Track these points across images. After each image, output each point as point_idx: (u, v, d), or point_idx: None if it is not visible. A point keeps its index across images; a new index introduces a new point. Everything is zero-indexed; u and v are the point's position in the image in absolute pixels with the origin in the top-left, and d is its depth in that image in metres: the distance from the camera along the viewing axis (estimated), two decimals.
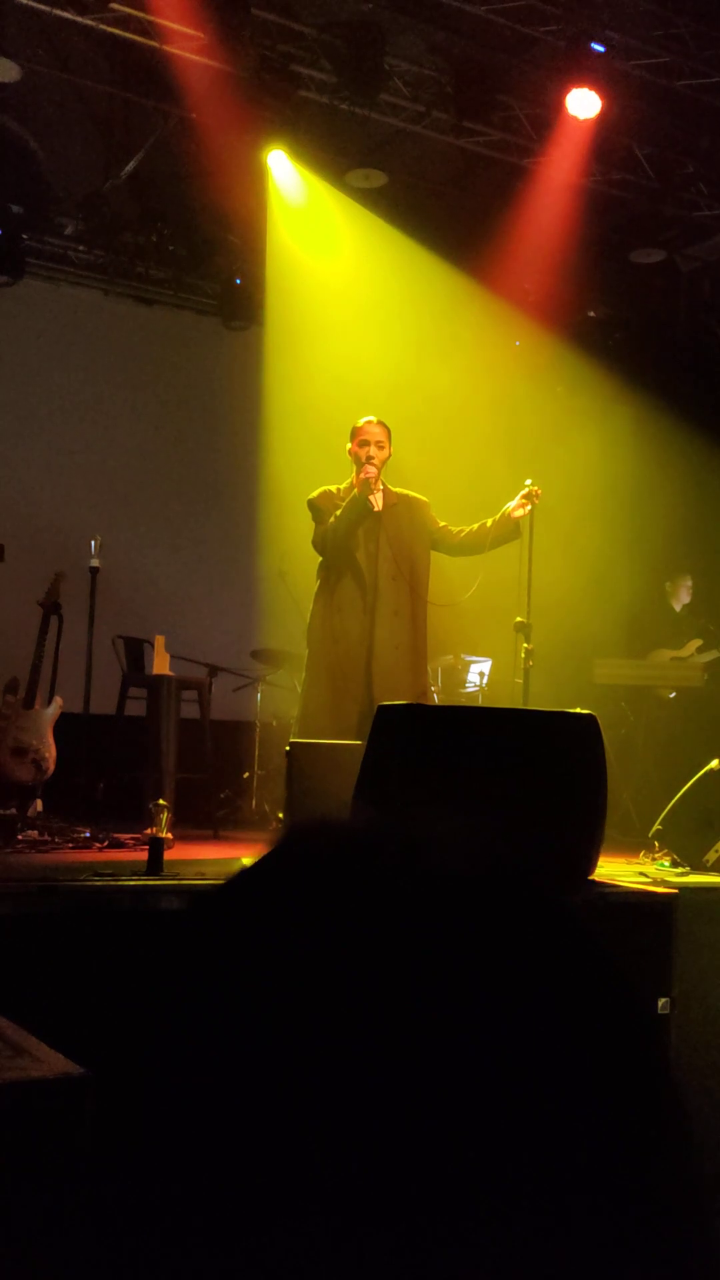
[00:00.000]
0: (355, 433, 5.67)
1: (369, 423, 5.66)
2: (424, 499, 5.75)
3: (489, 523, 5.59)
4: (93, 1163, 0.50)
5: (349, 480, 5.70)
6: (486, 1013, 0.44)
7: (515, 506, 5.54)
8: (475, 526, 5.64)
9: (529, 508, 5.54)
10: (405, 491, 5.71)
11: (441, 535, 5.70)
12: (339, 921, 0.46)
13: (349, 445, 5.71)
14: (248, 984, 0.46)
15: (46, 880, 3.82)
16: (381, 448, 5.60)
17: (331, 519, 5.52)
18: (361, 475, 5.51)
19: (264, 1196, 0.42)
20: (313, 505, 5.65)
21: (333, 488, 5.69)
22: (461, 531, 5.67)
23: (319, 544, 5.61)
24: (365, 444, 5.59)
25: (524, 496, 5.54)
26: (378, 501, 5.53)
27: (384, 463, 5.62)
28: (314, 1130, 0.42)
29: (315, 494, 5.68)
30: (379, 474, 5.57)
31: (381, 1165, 0.41)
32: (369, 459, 5.54)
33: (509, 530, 5.57)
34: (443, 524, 5.71)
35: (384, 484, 5.63)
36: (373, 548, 5.57)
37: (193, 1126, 0.45)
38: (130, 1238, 0.45)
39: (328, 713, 5.50)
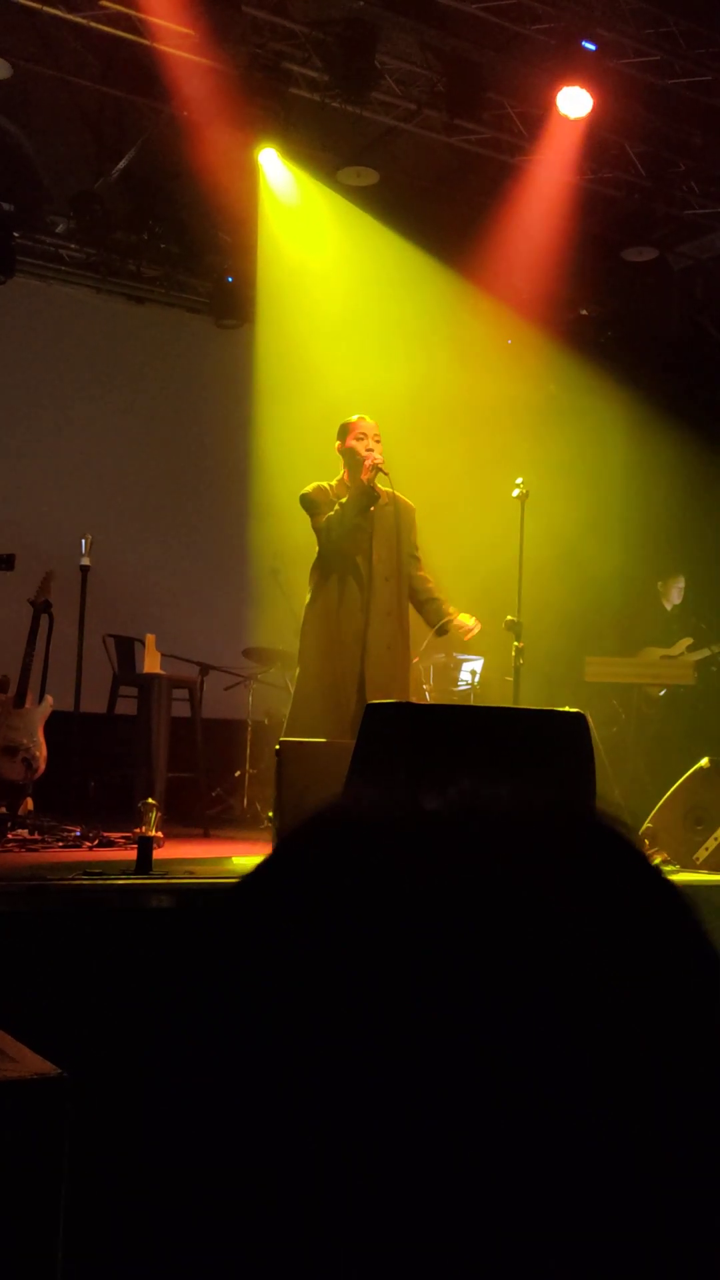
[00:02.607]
0: (349, 428, 5.67)
1: (362, 419, 5.68)
2: (412, 505, 5.76)
3: (444, 606, 5.66)
4: (73, 1162, 0.49)
5: (338, 478, 5.70)
6: (565, 997, 0.42)
7: (465, 627, 5.63)
8: (426, 595, 5.69)
9: (471, 635, 5.68)
10: (395, 493, 5.72)
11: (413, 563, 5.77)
12: (355, 916, 0.44)
13: (339, 443, 5.71)
14: (266, 988, 0.44)
15: (36, 879, 3.82)
16: (378, 442, 5.63)
17: (335, 508, 5.54)
18: (369, 463, 5.53)
19: (263, 1199, 0.41)
20: (308, 499, 5.66)
21: (325, 484, 5.70)
22: (423, 585, 5.72)
23: (323, 532, 5.60)
24: (363, 436, 5.61)
25: (470, 627, 5.64)
26: (387, 483, 5.60)
27: None
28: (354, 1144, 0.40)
29: (309, 489, 5.69)
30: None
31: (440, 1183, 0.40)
32: (369, 450, 5.57)
33: (439, 627, 5.68)
34: (418, 553, 5.77)
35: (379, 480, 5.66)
36: (367, 547, 5.59)
37: (191, 1127, 0.44)
38: (115, 1240, 0.45)
39: (321, 712, 5.51)
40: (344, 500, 5.54)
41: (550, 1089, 0.41)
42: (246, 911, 0.48)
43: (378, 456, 5.56)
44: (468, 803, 0.48)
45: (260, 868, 0.50)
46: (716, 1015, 0.45)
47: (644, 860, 0.48)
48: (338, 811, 0.50)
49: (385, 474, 5.56)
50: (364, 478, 5.54)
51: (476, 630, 5.70)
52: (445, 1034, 0.41)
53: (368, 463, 5.52)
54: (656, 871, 0.48)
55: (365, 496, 5.53)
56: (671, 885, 0.48)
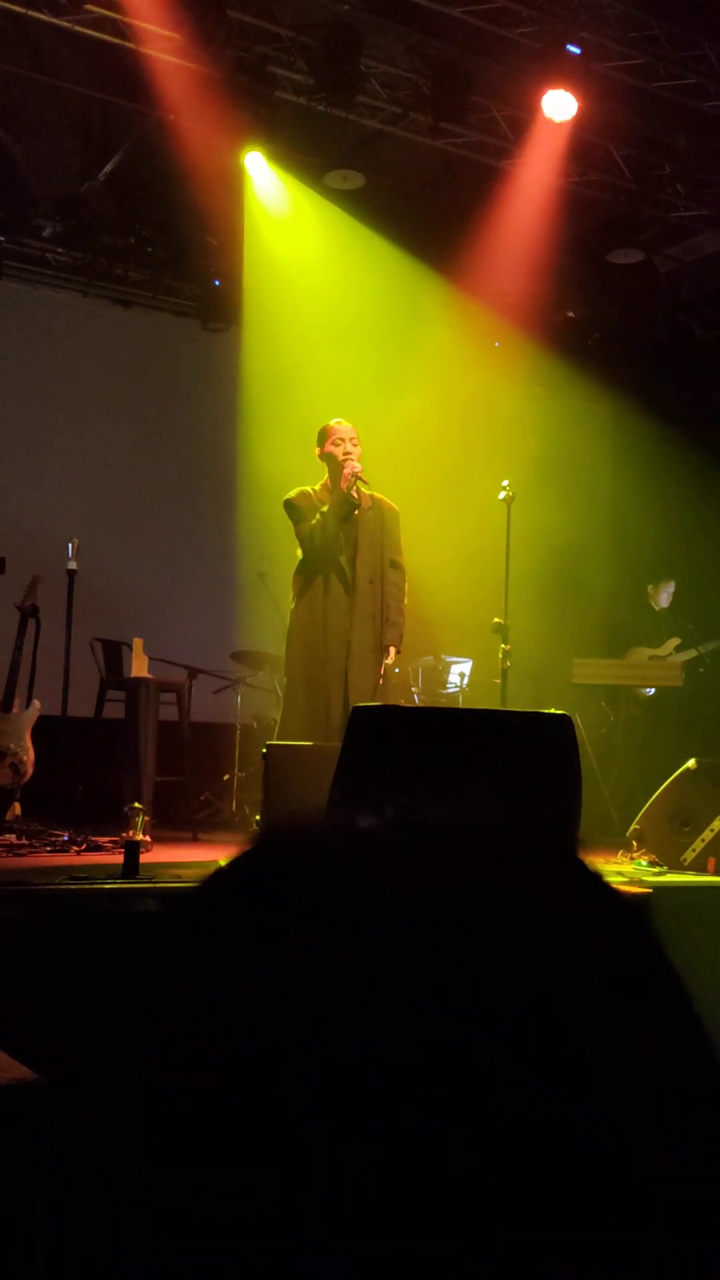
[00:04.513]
0: (328, 433, 5.70)
1: (339, 423, 5.71)
2: (396, 508, 5.78)
3: (388, 632, 5.65)
4: (66, 1167, 0.48)
5: (322, 482, 5.72)
6: (504, 1008, 0.42)
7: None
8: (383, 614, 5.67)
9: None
10: (379, 495, 5.73)
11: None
12: (321, 918, 0.45)
13: (318, 449, 5.74)
14: (235, 984, 0.45)
15: (22, 884, 3.81)
16: (356, 445, 5.65)
17: (316, 516, 5.55)
18: (348, 470, 5.55)
19: (257, 1204, 0.41)
20: (292, 505, 5.67)
21: (309, 488, 5.72)
22: (389, 599, 5.71)
23: (305, 540, 5.62)
24: (341, 441, 5.64)
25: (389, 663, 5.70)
26: (365, 489, 5.60)
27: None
28: (317, 1139, 0.41)
29: (293, 494, 5.71)
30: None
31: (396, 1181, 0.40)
32: (347, 455, 5.59)
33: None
34: (400, 558, 5.75)
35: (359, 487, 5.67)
36: (350, 550, 5.61)
37: (179, 1132, 0.43)
38: (112, 1243, 0.45)
39: (309, 715, 5.52)
40: (325, 509, 5.55)
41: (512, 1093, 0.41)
42: (211, 911, 0.49)
43: (356, 464, 5.58)
44: (407, 819, 0.48)
45: (218, 874, 0.50)
46: (681, 1028, 0.45)
47: (589, 872, 0.49)
48: (296, 823, 0.50)
49: (364, 481, 5.58)
50: (343, 487, 5.56)
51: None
52: (442, 1035, 0.41)
53: (346, 471, 5.55)
54: (599, 881, 0.49)
55: (345, 505, 5.56)
56: (615, 893, 0.48)
